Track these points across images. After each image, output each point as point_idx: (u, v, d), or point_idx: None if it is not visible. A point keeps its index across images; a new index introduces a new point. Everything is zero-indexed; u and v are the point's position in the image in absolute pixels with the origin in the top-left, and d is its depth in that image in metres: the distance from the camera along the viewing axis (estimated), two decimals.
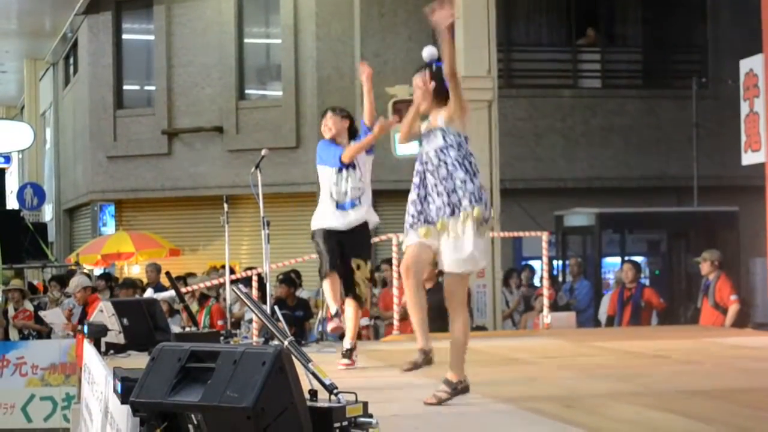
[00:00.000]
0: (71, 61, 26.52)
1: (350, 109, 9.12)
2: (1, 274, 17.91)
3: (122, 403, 4.77)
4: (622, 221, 18.01)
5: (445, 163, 6.08)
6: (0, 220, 19.56)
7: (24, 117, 32.29)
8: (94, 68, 22.48)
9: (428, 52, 6.36)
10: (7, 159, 31.33)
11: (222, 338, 9.45)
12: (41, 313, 14.59)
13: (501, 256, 14.81)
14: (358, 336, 8.80)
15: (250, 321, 11.67)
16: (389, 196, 16.26)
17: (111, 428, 5.83)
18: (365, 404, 4.44)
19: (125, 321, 8.89)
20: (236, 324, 12.40)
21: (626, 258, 16.14)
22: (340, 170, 8.11)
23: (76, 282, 14.05)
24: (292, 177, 19.72)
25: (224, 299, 12.11)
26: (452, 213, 6.00)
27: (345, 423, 4.32)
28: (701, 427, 5.33)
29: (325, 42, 20.03)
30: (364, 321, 12.26)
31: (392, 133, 14.09)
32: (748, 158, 12.33)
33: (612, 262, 17.62)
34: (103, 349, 8.62)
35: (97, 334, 8.74)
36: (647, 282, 16.39)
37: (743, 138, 12.35)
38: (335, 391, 4.41)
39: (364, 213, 8.17)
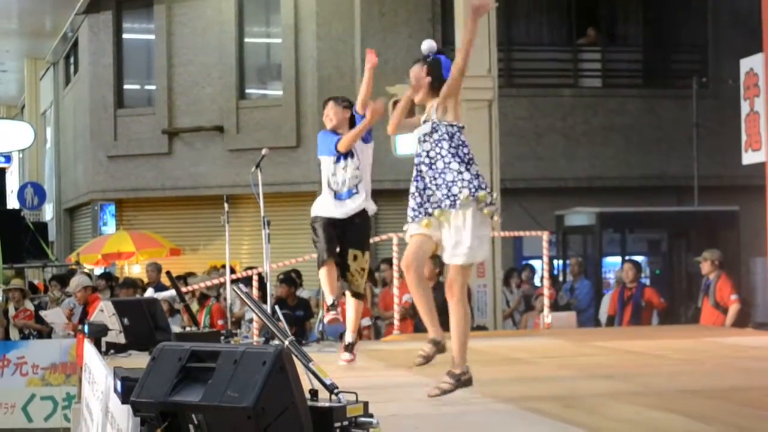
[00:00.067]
0: (72, 60, 26.52)
1: None
2: (2, 274, 17.91)
3: (123, 402, 4.78)
4: (622, 221, 18.01)
5: (440, 155, 6.08)
6: (0, 220, 19.59)
7: (24, 116, 32.30)
8: (95, 68, 22.49)
9: (427, 45, 6.37)
10: (8, 158, 31.32)
11: (222, 338, 9.45)
12: (42, 313, 14.60)
13: (501, 256, 14.80)
14: (359, 336, 8.79)
15: (251, 321, 11.66)
16: (389, 195, 16.26)
17: (111, 428, 5.83)
18: (366, 404, 4.43)
19: (126, 321, 8.88)
20: (237, 324, 12.39)
21: (627, 257, 16.13)
22: (337, 160, 8.11)
23: (76, 281, 14.05)
24: (293, 176, 19.73)
25: (225, 299, 12.11)
26: (452, 204, 5.99)
27: (345, 423, 4.31)
28: (701, 427, 5.33)
29: (326, 41, 20.04)
30: (366, 321, 12.25)
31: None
32: (748, 158, 12.33)
33: (612, 261, 17.62)
34: (103, 348, 8.61)
35: (97, 333, 8.74)
36: (648, 282, 16.40)
37: (744, 137, 12.35)
38: (336, 390, 4.41)
39: (361, 201, 8.12)
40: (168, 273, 12.18)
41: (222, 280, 12.65)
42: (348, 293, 8.29)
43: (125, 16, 22.53)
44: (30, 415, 13.32)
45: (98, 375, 7.06)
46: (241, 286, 5.61)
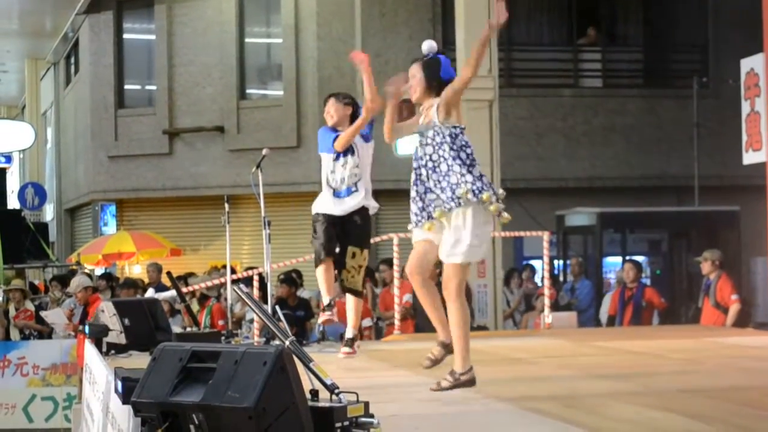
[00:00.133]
0: (72, 60, 26.54)
1: None
2: (3, 274, 17.92)
3: (123, 403, 4.78)
4: (623, 221, 18.01)
5: (443, 158, 6.06)
6: (1, 220, 19.60)
7: (25, 117, 32.31)
8: (95, 68, 22.50)
9: (428, 45, 6.36)
10: (9, 159, 31.36)
11: (223, 338, 9.45)
12: (42, 313, 14.60)
13: (502, 256, 14.81)
14: (360, 335, 8.78)
15: (252, 321, 11.66)
16: (390, 195, 16.25)
17: (112, 428, 5.83)
18: (366, 404, 4.44)
19: (126, 321, 8.87)
20: (237, 324, 12.40)
21: (627, 258, 16.13)
22: (337, 157, 8.09)
23: (77, 282, 14.05)
24: (293, 177, 19.73)
25: (225, 299, 12.12)
26: (458, 205, 5.97)
27: (346, 423, 4.32)
28: (702, 427, 5.33)
29: (326, 42, 20.04)
30: (367, 322, 12.25)
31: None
32: (749, 158, 12.34)
33: (613, 261, 17.63)
34: (104, 349, 8.61)
35: (98, 334, 8.75)
36: (648, 282, 16.40)
37: (744, 137, 12.35)
38: (336, 391, 4.41)
39: (360, 199, 8.08)
40: (169, 273, 12.19)
41: (222, 280, 12.65)
42: (346, 294, 8.26)
43: (126, 16, 22.54)
44: (31, 415, 13.33)
45: (99, 375, 7.07)
46: (242, 286, 5.61)
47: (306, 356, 4.55)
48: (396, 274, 12.11)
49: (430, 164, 6.09)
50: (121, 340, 8.85)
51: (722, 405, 6.05)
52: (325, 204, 8.16)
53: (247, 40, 21.08)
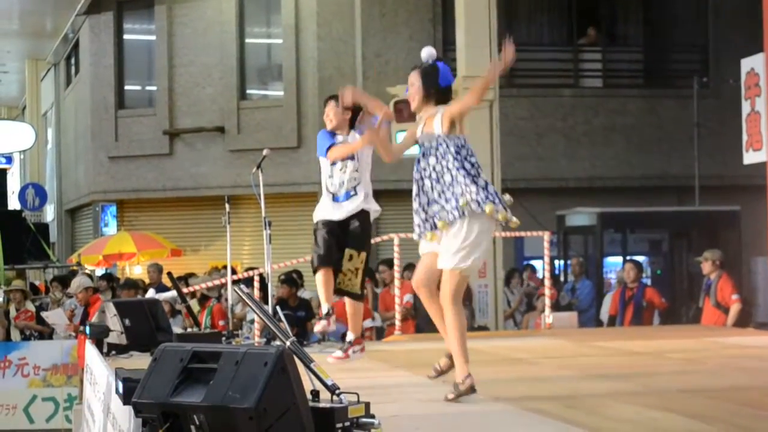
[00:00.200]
0: (72, 61, 26.54)
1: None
2: (3, 275, 17.93)
3: (124, 403, 4.78)
4: (623, 221, 18.01)
5: (447, 168, 6.03)
6: (2, 221, 19.60)
7: (25, 117, 32.32)
8: (96, 68, 22.50)
9: (427, 52, 6.34)
10: (9, 159, 31.37)
11: (224, 339, 9.45)
12: (43, 314, 14.60)
13: (503, 256, 14.80)
14: (362, 336, 8.75)
15: (252, 321, 11.67)
16: (390, 196, 16.25)
17: (113, 429, 5.84)
18: (367, 404, 4.44)
19: (127, 321, 8.88)
20: (238, 324, 12.40)
21: (628, 258, 16.13)
22: (334, 162, 8.05)
23: (77, 282, 14.05)
24: (294, 177, 19.73)
25: (226, 300, 12.12)
26: (461, 215, 5.96)
27: (347, 423, 4.32)
28: (702, 427, 5.33)
29: (327, 42, 20.05)
30: (368, 323, 12.24)
31: (395, 132, 14.10)
32: (749, 157, 12.34)
33: (614, 261, 17.63)
34: (105, 349, 8.62)
35: (99, 334, 8.75)
36: (649, 282, 16.41)
37: (744, 137, 12.35)
38: (337, 391, 4.42)
39: (360, 202, 7.97)
40: (169, 274, 12.19)
41: (223, 280, 12.66)
42: (342, 295, 8.21)
43: (126, 17, 22.54)
44: (31, 416, 13.33)
45: (100, 376, 7.07)
46: (243, 286, 5.62)
47: (307, 357, 4.55)
48: (396, 275, 12.10)
49: (433, 175, 6.06)
50: (122, 340, 8.85)
51: (723, 405, 6.06)
52: (324, 210, 8.10)
53: (247, 40, 21.08)
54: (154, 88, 21.84)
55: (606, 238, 17.75)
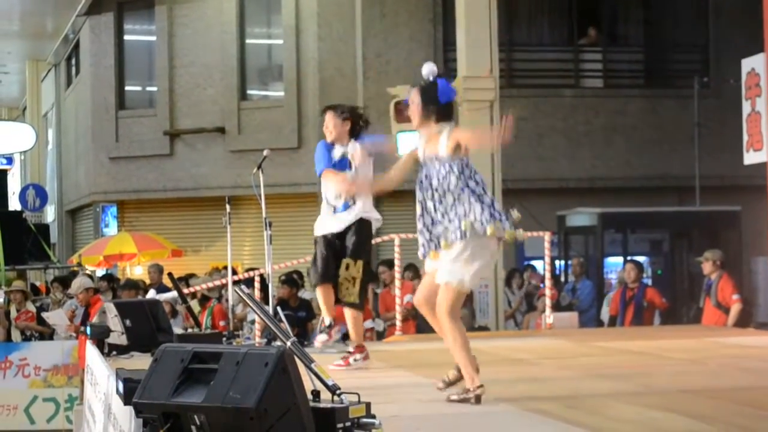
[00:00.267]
0: (73, 62, 26.55)
1: None
2: (4, 275, 17.94)
3: (125, 404, 4.78)
4: (624, 221, 18.02)
5: (449, 189, 6.01)
6: (2, 222, 19.59)
7: (26, 118, 32.32)
8: (96, 69, 22.51)
9: (428, 69, 6.28)
10: (10, 160, 31.39)
11: (224, 339, 9.45)
12: (44, 315, 14.61)
13: (503, 257, 14.80)
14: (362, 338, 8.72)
15: (253, 322, 11.67)
16: (390, 196, 16.18)
17: (114, 429, 5.84)
18: (368, 405, 4.44)
19: (128, 322, 8.88)
20: (239, 325, 12.40)
21: (628, 258, 16.13)
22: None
23: (78, 283, 14.06)
24: (294, 177, 19.72)
25: (226, 300, 12.12)
26: (462, 237, 5.95)
27: (348, 424, 4.32)
28: (703, 427, 5.33)
29: (327, 42, 20.04)
30: (369, 323, 12.23)
31: (395, 133, 14.10)
32: (750, 158, 12.34)
33: (614, 262, 17.63)
34: (105, 350, 8.62)
35: (99, 335, 8.75)
36: (650, 282, 16.40)
37: (745, 137, 12.35)
38: (338, 391, 4.42)
39: (358, 212, 7.96)
40: (170, 274, 12.19)
41: (224, 281, 12.66)
42: (341, 305, 8.18)
43: (126, 18, 22.55)
44: (32, 416, 13.34)
45: (100, 376, 7.07)
46: (243, 287, 5.62)
47: (307, 357, 4.56)
48: (397, 275, 12.11)
49: (436, 196, 6.05)
50: (123, 341, 8.85)
51: (724, 405, 6.06)
52: (323, 224, 8.07)
53: (247, 41, 21.08)
54: (154, 88, 21.84)
55: (607, 239, 17.76)
